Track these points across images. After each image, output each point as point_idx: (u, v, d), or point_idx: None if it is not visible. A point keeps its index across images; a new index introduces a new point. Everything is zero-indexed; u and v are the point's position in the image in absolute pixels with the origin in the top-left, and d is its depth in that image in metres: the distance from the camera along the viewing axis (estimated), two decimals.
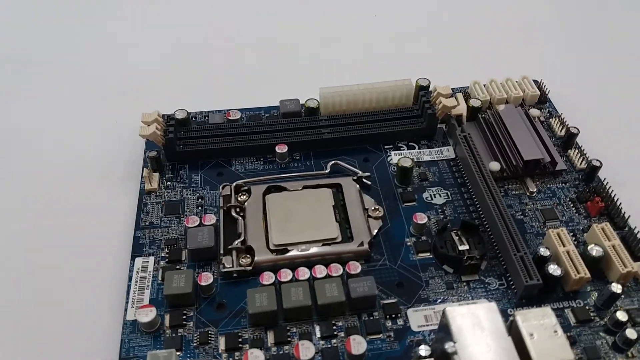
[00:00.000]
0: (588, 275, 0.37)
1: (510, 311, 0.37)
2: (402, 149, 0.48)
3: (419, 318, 0.37)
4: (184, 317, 0.36)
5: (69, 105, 0.53)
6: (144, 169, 0.45)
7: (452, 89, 0.52)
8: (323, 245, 0.40)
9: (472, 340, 0.30)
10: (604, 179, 0.45)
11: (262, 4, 0.66)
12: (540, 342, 0.30)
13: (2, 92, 0.55)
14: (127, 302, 0.37)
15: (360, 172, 0.46)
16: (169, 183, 0.45)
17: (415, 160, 0.47)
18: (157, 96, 0.53)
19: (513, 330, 0.31)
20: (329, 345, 0.35)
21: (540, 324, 0.31)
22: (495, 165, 0.45)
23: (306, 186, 0.44)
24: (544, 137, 0.47)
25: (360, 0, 0.67)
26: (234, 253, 0.39)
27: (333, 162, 0.47)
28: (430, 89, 0.50)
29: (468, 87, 0.53)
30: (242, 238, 0.40)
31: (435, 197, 0.45)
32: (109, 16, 0.65)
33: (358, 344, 0.34)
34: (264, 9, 0.65)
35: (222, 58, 0.58)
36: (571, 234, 0.42)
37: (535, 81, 0.54)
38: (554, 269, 0.38)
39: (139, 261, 0.40)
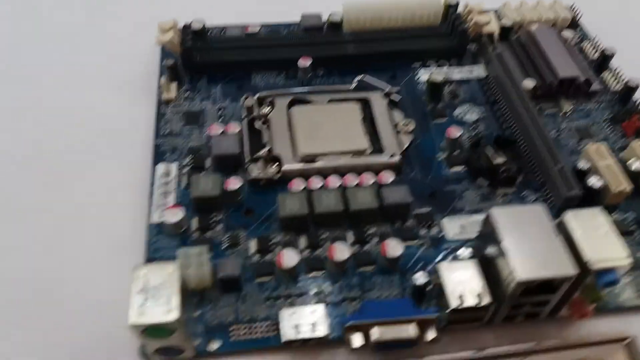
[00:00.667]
0: (630, 187, 0.36)
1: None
2: (430, 67, 0.46)
3: (454, 227, 0.36)
4: (212, 221, 0.35)
5: (83, 14, 0.50)
6: (161, 77, 0.43)
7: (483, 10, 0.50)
8: (353, 156, 0.38)
9: (519, 240, 0.29)
10: (637, 100, 0.43)
11: None
12: (591, 241, 0.28)
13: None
14: (150, 206, 0.35)
15: (388, 87, 0.44)
16: (187, 93, 0.43)
17: (445, 76, 0.45)
18: (173, 7, 0.51)
19: (562, 231, 0.29)
20: (363, 250, 0.34)
21: (591, 224, 0.29)
22: (529, 83, 0.43)
23: (332, 100, 0.42)
24: (578, 58, 0.46)
25: None
26: (261, 161, 0.37)
27: (359, 77, 0.44)
28: (460, 6, 0.48)
29: (498, 9, 0.51)
30: (268, 147, 0.38)
31: (467, 114, 0.43)
32: None
33: (394, 247, 0.32)
34: None
35: None
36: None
37: (568, 4, 0.51)
38: (594, 181, 0.36)
39: (161, 167, 0.38)
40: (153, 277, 0.27)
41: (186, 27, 0.45)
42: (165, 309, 0.26)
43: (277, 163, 0.38)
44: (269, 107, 0.41)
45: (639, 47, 0.50)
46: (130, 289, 0.26)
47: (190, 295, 0.31)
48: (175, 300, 0.26)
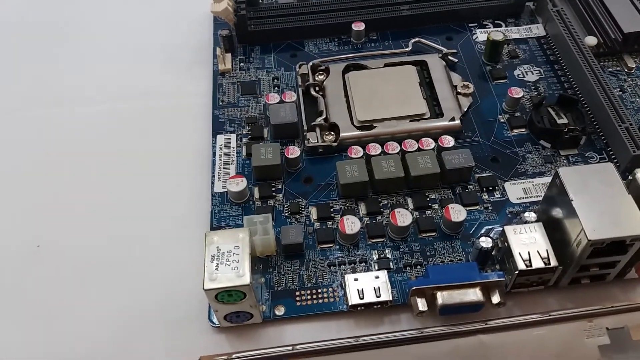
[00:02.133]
0: None
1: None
2: (487, 27, 0.45)
3: (517, 190, 0.35)
4: (273, 189, 0.35)
5: None
6: (217, 48, 0.43)
7: None
8: (411, 121, 0.38)
9: (589, 199, 0.28)
10: None
11: None
12: None
13: None
14: (213, 176, 0.36)
15: (445, 49, 0.43)
16: (242, 64, 0.43)
17: (504, 35, 0.44)
18: None
19: (633, 190, 0.29)
20: (424, 215, 0.34)
21: None
22: (592, 40, 0.42)
23: (388, 64, 0.42)
24: None
25: None
26: (318, 129, 0.38)
27: (415, 39, 0.44)
28: None
29: None
30: (324, 115, 0.38)
31: (527, 74, 0.42)
32: None
33: (457, 212, 0.32)
34: None
35: None
36: None
37: None
38: None
39: (220, 138, 0.38)
40: (224, 242, 0.27)
41: None
42: (236, 273, 0.26)
43: (335, 131, 0.38)
44: (323, 75, 0.41)
45: None
46: (204, 254, 0.27)
47: (257, 262, 0.31)
48: (246, 265, 0.27)
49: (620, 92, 0.40)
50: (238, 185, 0.34)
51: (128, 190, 0.37)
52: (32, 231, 0.36)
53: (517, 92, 0.39)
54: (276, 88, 0.42)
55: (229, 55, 0.43)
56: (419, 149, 0.36)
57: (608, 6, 0.43)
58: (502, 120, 0.39)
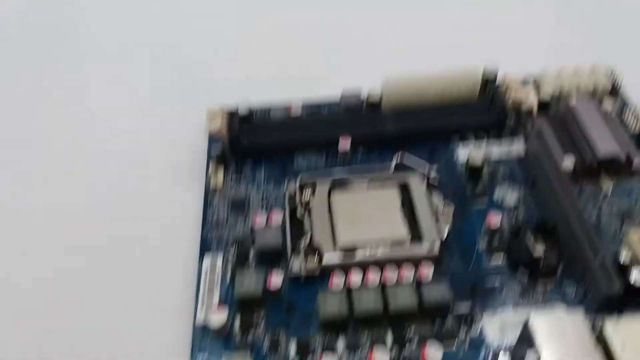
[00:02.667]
0: None
1: (594, 319, 0.35)
2: (470, 142, 0.47)
3: (494, 327, 0.36)
4: (254, 319, 0.36)
5: (129, 102, 0.53)
6: (210, 164, 0.45)
7: (521, 77, 0.50)
8: (392, 246, 0.39)
9: (556, 352, 0.29)
10: None
11: None
12: (634, 354, 0.29)
13: (59, 83, 0.55)
14: (196, 304, 0.37)
15: (427, 169, 0.44)
16: (233, 179, 0.45)
17: (484, 155, 0.46)
18: (216, 89, 0.53)
19: (602, 341, 0.30)
20: (402, 354, 0.35)
21: (633, 334, 0.29)
22: (568, 163, 0.43)
23: (372, 183, 0.43)
24: (619, 132, 0.45)
25: None
26: (301, 253, 0.39)
27: (399, 158, 0.45)
28: (498, 78, 0.48)
29: (537, 76, 0.51)
30: (308, 238, 0.40)
31: (506, 196, 0.43)
32: (170, 9, 0.64)
33: (433, 354, 0.33)
34: None
35: (283, 47, 0.57)
36: None
37: (607, 70, 0.51)
38: (636, 277, 0.36)
39: (207, 260, 0.40)
40: None
41: (233, 114, 0.47)
42: None
43: (317, 253, 0.39)
44: (310, 193, 0.43)
45: None
46: None
47: None
48: None
49: (597, 218, 0.42)
50: (219, 319, 0.35)
51: (108, 310, 0.38)
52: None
53: (494, 220, 0.40)
54: (265, 206, 0.43)
55: (221, 171, 0.45)
56: (399, 281, 0.37)
57: (585, 128, 0.45)
58: (481, 245, 0.40)
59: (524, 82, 0.49)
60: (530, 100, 0.47)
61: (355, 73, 0.51)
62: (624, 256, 0.37)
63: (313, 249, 0.39)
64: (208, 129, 0.44)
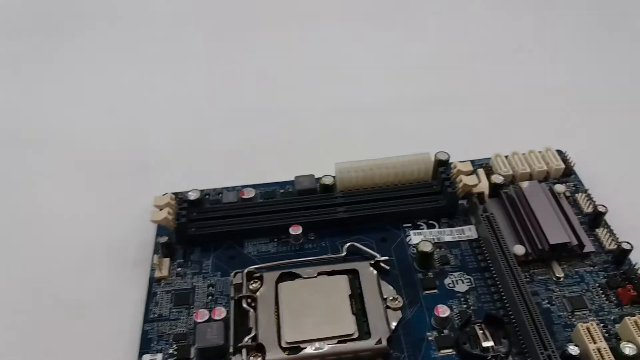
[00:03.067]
0: None
1: None
2: (421, 227, 0.47)
3: None
4: None
5: (73, 186, 0.52)
6: (154, 255, 0.44)
7: (472, 161, 0.51)
8: (339, 342, 0.38)
9: None
10: (635, 262, 0.42)
11: (274, 75, 0.65)
12: None
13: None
14: None
15: (378, 256, 0.44)
16: (179, 269, 0.44)
17: (436, 240, 0.45)
18: (167, 173, 0.52)
19: None
20: None
21: None
22: (519, 249, 0.43)
23: (321, 272, 0.42)
24: (570, 216, 0.45)
25: (374, 69, 0.66)
26: (244, 351, 0.37)
27: (349, 244, 0.45)
28: (450, 163, 0.49)
29: (489, 159, 0.51)
30: (252, 334, 0.38)
31: (457, 283, 0.43)
32: (115, 91, 0.64)
33: None
34: (276, 81, 0.64)
35: (235, 132, 0.57)
36: (602, 324, 0.40)
37: (559, 151, 0.51)
38: None
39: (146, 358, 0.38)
40: None
41: (181, 200, 0.46)
42: None
43: (261, 351, 0.38)
44: (257, 283, 0.42)
45: (633, 195, 0.50)
46: None
47: None
48: None
49: (549, 304, 0.41)
50: None
51: None
52: None
53: (443, 311, 0.39)
54: (210, 297, 0.42)
55: (167, 261, 0.44)
56: None
57: (536, 214, 0.45)
58: (430, 338, 0.39)
59: (476, 167, 0.49)
60: (482, 185, 0.47)
61: (308, 161, 0.51)
62: (572, 350, 0.36)
63: (257, 347, 0.38)
64: (153, 220, 0.43)
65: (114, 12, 0.75)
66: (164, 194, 0.46)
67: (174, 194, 0.47)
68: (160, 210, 0.44)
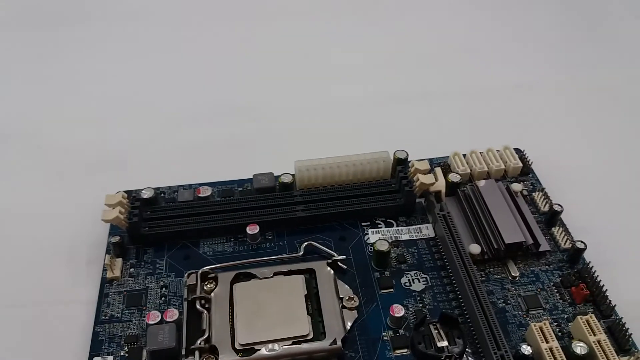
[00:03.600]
0: None
1: None
2: (380, 226, 0.46)
3: None
4: None
5: (25, 184, 0.51)
6: (106, 255, 0.43)
7: (431, 159, 0.51)
8: (293, 343, 0.37)
9: None
10: (589, 262, 0.43)
11: (237, 71, 0.64)
12: None
13: None
14: None
15: (335, 255, 0.43)
16: (132, 270, 0.43)
17: (394, 239, 0.45)
18: (124, 171, 0.51)
19: None
20: None
21: None
22: (475, 248, 0.43)
23: (277, 272, 0.42)
24: (527, 215, 0.46)
25: (336, 67, 0.65)
26: (197, 354, 0.37)
27: (307, 243, 0.44)
28: (409, 161, 0.49)
29: (448, 157, 0.51)
30: (206, 335, 0.38)
31: (414, 282, 0.43)
32: (68, 88, 0.62)
33: None
34: (237, 77, 0.63)
35: (194, 129, 0.56)
36: (555, 323, 0.40)
37: (518, 150, 0.52)
38: None
39: None
40: None
41: (134, 198, 0.45)
42: None
43: (214, 353, 0.37)
44: (212, 283, 0.41)
45: (595, 190, 0.51)
46: None
47: None
48: None
49: (504, 303, 0.41)
50: None
51: None
52: None
53: (398, 311, 0.39)
54: (163, 298, 0.41)
55: (119, 261, 0.43)
56: None
57: (492, 214, 0.45)
58: (385, 338, 0.39)
59: (436, 165, 0.49)
60: (439, 183, 0.47)
61: (268, 159, 0.51)
62: (524, 349, 0.36)
63: (210, 349, 0.37)
64: (102, 217, 0.42)
65: (74, 8, 0.73)
66: (117, 192, 0.45)
67: (127, 192, 0.46)
68: (112, 208, 0.43)
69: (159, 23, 0.71)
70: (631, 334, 0.38)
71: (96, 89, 0.61)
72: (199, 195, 0.47)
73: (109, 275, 0.42)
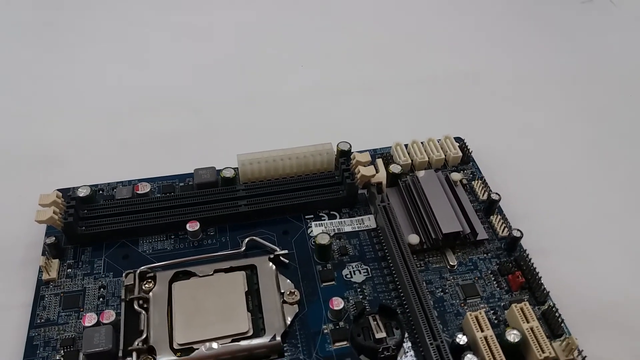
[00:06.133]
0: None
1: None
2: (323, 218, 0.47)
3: None
4: None
5: None
6: (42, 257, 0.42)
7: (375, 150, 0.51)
8: (232, 341, 0.37)
9: None
10: (526, 250, 0.44)
11: (177, 60, 0.63)
12: None
13: None
14: None
15: (277, 250, 0.43)
16: (69, 270, 0.42)
17: (336, 231, 0.46)
18: (60, 168, 0.50)
19: None
20: None
21: None
22: (414, 239, 0.44)
23: (218, 270, 0.42)
24: (465, 204, 0.46)
25: (278, 59, 0.65)
26: (134, 355, 0.36)
27: (249, 238, 0.44)
28: (351, 153, 0.49)
29: (390, 148, 0.51)
30: (144, 336, 0.37)
31: (355, 274, 0.43)
32: (5, 82, 0.60)
33: None
34: (179, 67, 0.62)
35: (134, 123, 0.55)
36: (492, 311, 0.41)
37: (459, 139, 0.52)
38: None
39: None
40: None
41: (70, 197, 0.44)
42: None
43: (152, 353, 0.37)
44: (151, 283, 0.41)
45: (533, 177, 0.52)
46: None
47: None
48: None
49: (442, 293, 0.42)
50: None
51: None
52: None
53: (337, 304, 0.39)
54: (101, 299, 0.41)
55: (56, 262, 0.42)
56: None
57: (431, 204, 0.45)
58: (326, 331, 0.39)
59: (377, 156, 0.50)
60: (380, 175, 0.47)
61: (209, 153, 0.50)
62: (459, 339, 0.37)
63: (148, 349, 0.37)
64: (36, 218, 0.41)
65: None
66: (53, 191, 0.44)
67: (63, 190, 0.45)
68: (45, 210, 0.42)
69: (94, 16, 0.69)
70: (563, 319, 0.39)
71: (28, 83, 0.59)
72: (138, 192, 0.47)
73: (45, 277, 0.41)
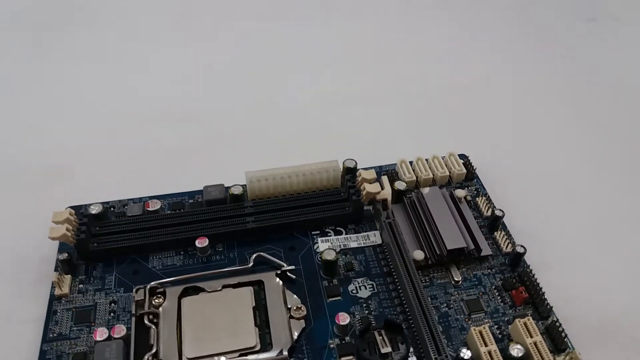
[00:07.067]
0: None
1: None
2: (329, 234, 0.47)
3: None
4: None
5: None
6: (54, 272, 0.43)
7: (380, 167, 0.52)
8: (240, 355, 0.38)
9: None
10: (529, 265, 0.45)
11: (184, 80, 0.64)
12: None
13: None
14: None
15: (284, 265, 0.44)
16: (81, 286, 0.43)
17: (342, 247, 0.46)
18: (70, 182, 0.51)
19: None
20: None
21: None
22: (419, 254, 0.44)
23: (226, 285, 0.42)
24: (469, 220, 0.47)
25: (285, 72, 0.66)
26: None
27: (256, 254, 0.45)
28: (357, 170, 0.50)
29: (395, 165, 0.52)
30: (153, 350, 0.38)
31: (360, 289, 0.44)
32: (17, 96, 0.61)
33: None
34: (183, 85, 0.64)
35: (144, 140, 0.56)
36: (496, 326, 0.41)
37: (463, 156, 0.53)
38: None
39: None
40: None
41: (82, 214, 0.45)
42: None
43: None
44: (161, 298, 0.41)
45: (536, 195, 0.52)
46: None
47: None
48: None
49: (447, 308, 0.43)
50: None
51: None
52: None
53: (343, 319, 0.40)
54: (112, 314, 0.41)
55: (68, 278, 0.43)
56: None
57: (435, 220, 0.46)
58: (332, 345, 0.40)
59: (383, 173, 0.51)
60: (385, 191, 0.48)
61: (218, 170, 0.51)
62: (464, 354, 0.38)
63: None
64: (49, 235, 0.42)
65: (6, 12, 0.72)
66: (66, 208, 0.45)
67: (74, 207, 0.46)
68: (58, 227, 0.43)
69: (103, 28, 0.71)
70: (566, 334, 0.40)
71: (41, 99, 0.61)
72: (148, 209, 0.48)
73: (57, 292, 0.42)
